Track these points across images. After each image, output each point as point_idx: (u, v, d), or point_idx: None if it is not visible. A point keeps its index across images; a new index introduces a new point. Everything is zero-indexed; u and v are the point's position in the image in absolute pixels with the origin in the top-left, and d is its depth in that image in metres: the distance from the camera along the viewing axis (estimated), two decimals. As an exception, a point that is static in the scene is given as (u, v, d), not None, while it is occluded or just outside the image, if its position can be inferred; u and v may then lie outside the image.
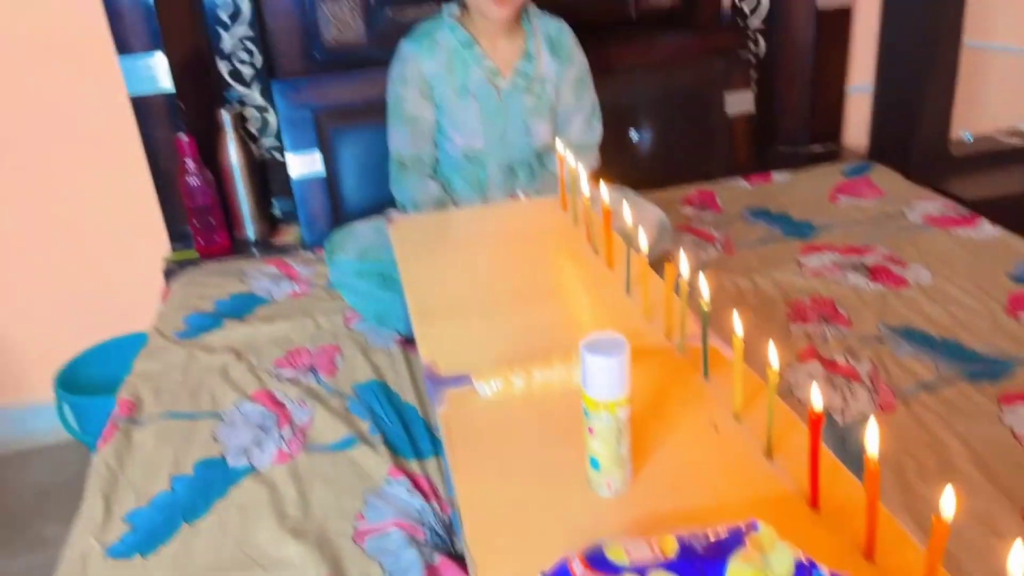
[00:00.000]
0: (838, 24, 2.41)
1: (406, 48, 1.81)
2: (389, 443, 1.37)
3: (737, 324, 0.89)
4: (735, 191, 2.26)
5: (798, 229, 2.02)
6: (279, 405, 1.50)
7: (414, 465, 1.32)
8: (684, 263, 1.03)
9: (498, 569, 0.78)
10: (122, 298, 2.34)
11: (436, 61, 1.79)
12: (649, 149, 2.25)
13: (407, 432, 1.40)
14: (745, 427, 0.92)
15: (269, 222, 2.28)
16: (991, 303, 1.62)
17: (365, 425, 1.43)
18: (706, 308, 0.97)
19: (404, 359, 1.62)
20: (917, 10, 2.35)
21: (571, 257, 1.39)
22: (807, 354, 1.51)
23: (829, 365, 1.48)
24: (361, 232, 1.78)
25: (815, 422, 0.76)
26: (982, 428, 1.28)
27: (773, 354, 0.81)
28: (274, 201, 2.34)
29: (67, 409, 2.25)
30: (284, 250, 2.18)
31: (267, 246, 2.21)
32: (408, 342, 1.68)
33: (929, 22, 2.34)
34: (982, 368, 1.43)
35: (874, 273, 1.78)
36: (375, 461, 1.33)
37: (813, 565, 0.64)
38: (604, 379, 0.79)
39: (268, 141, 2.29)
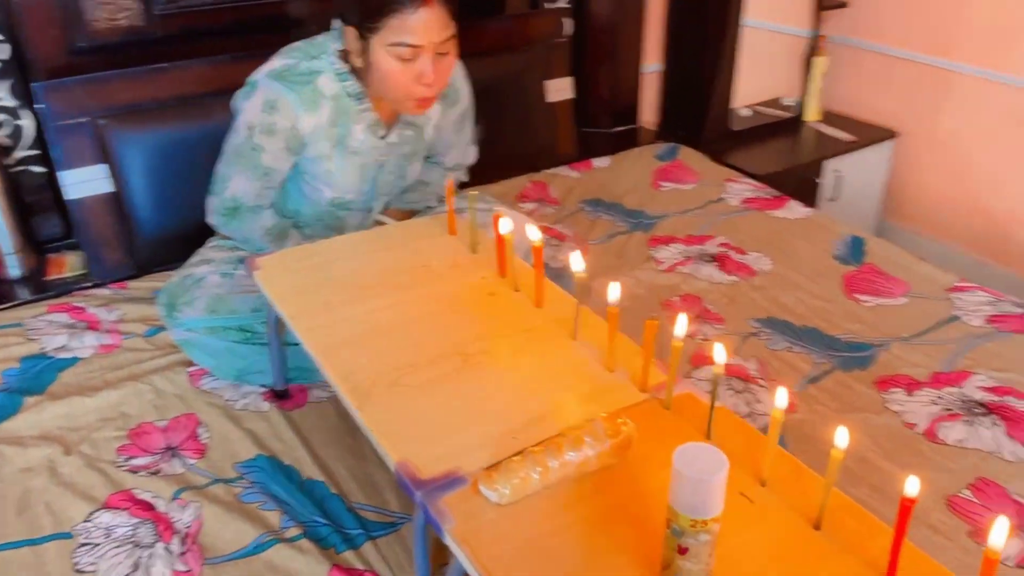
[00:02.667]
0: (633, 6, 2.46)
1: (281, 94, 1.43)
2: (312, 536, 1.18)
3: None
4: (565, 181, 2.25)
5: (638, 221, 2.06)
6: (147, 508, 1.23)
7: (351, 557, 1.15)
8: (682, 325, 0.98)
9: None
10: None
11: (318, 115, 1.46)
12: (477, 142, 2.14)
13: (327, 517, 1.22)
14: (773, 493, 0.91)
15: (36, 254, 1.85)
16: (831, 286, 1.78)
17: (273, 517, 1.22)
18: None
19: (285, 421, 1.40)
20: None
21: (493, 297, 1.27)
22: (699, 359, 1.55)
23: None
24: (207, 280, 1.49)
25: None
26: (875, 418, 1.40)
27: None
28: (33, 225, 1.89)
29: None
30: (64, 288, 1.78)
31: (39, 285, 1.79)
32: (278, 396, 1.46)
33: (712, 4, 2.47)
34: (848, 356, 1.56)
35: (721, 263, 1.86)
36: (305, 563, 1.14)
37: None
38: (706, 498, 0.71)
39: (22, 153, 1.83)
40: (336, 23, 1.46)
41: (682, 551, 0.74)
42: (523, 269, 1.31)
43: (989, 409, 1.40)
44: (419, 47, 1.36)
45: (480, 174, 2.09)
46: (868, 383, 1.49)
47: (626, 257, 1.90)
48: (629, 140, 2.55)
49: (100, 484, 1.26)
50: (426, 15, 1.34)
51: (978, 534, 1.17)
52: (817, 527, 0.86)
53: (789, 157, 2.64)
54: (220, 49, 1.85)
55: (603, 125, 2.56)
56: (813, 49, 2.76)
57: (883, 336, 1.61)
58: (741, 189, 2.20)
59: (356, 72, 1.47)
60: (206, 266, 1.52)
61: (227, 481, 1.28)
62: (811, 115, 2.84)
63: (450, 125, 1.67)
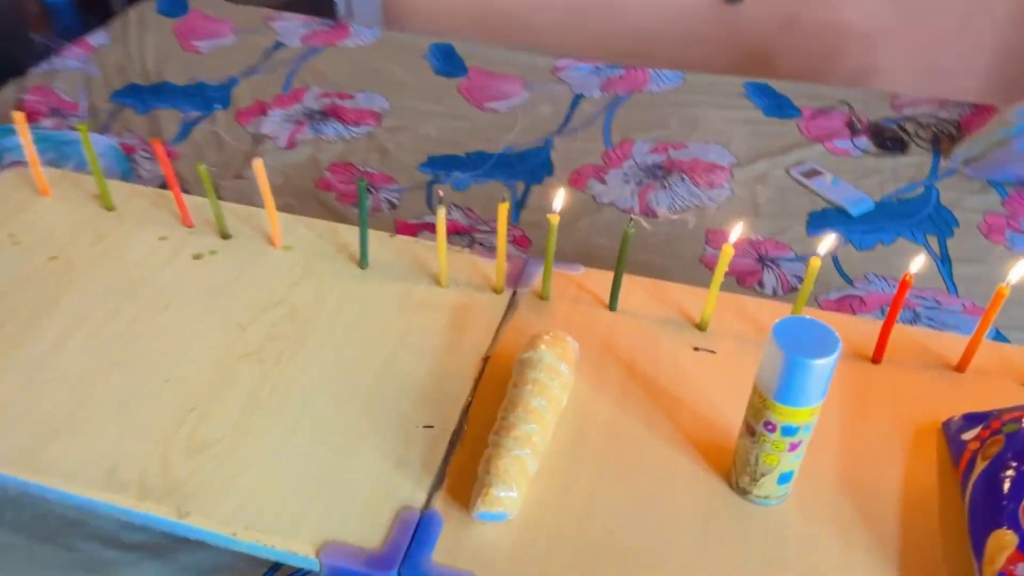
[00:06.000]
0: None
1: None
2: None
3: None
4: (71, 76, 1.63)
5: (206, 98, 1.62)
6: None
7: None
8: (560, 197, 0.76)
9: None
10: None
11: None
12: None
13: None
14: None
15: None
16: (457, 104, 1.64)
17: None
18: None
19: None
20: None
21: (208, 258, 0.86)
22: (404, 228, 1.33)
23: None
24: None
25: (904, 284, 0.72)
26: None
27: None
28: None
29: None
30: None
31: None
32: None
33: None
34: (527, 169, 1.49)
35: (338, 115, 1.59)
36: None
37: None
38: (822, 382, 0.58)
39: None
40: None
41: (792, 448, 0.61)
42: (271, 216, 0.90)
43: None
44: None
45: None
46: (564, 179, 1.44)
47: (228, 147, 1.49)
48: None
49: None
50: None
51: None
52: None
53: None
54: None
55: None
56: None
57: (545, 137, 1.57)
58: (292, 27, 1.87)
59: None
60: None
61: None
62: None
63: None
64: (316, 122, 1.57)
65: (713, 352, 0.78)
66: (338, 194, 1.39)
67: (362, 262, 0.87)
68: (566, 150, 1.52)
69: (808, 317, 0.59)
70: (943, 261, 1.27)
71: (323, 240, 0.90)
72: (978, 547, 0.59)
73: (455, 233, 1.32)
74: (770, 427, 0.60)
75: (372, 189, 1.41)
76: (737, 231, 0.74)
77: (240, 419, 0.70)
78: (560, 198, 0.77)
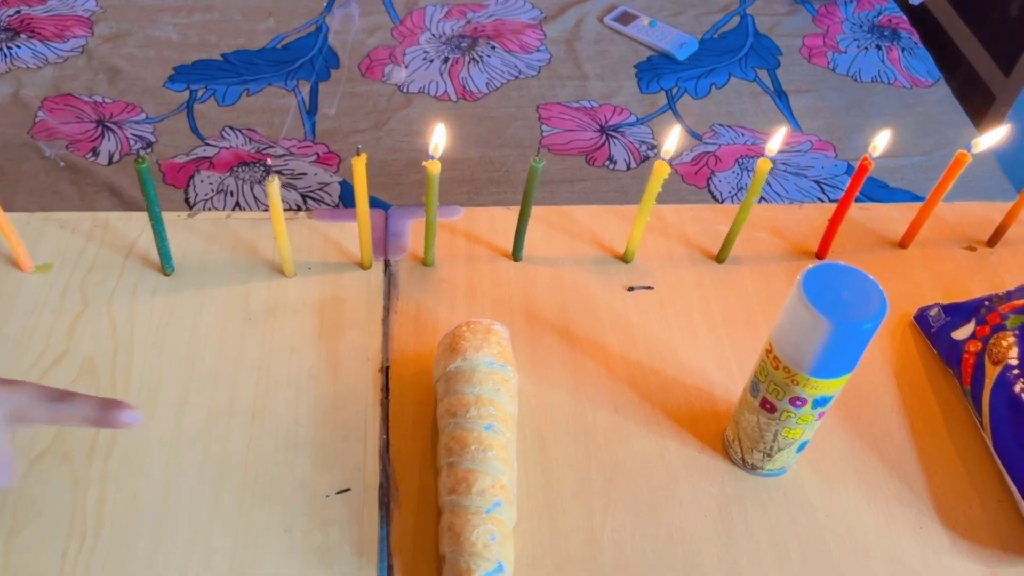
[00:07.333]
0: None
1: None
2: None
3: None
4: None
5: None
6: None
7: None
8: (439, 135, 0.55)
9: None
10: None
11: None
12: None
13: None
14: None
15: None
16: None
17: None
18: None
19: None
20: None
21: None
22: (176, 176, 1.03)
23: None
24: None
25: (864, 166, 0.61)
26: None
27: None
28: None
29: None
30: None
31: None
32: None
33: None
34: (305, 65, 1.21)
35: (34, 28, 1.19)
36: None
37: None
38: (867, 342, 0.45)
39: None
40: None
41: (821, 416, 0.50)
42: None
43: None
44: None
45: None
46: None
47: None
48: None
49: None
50: None
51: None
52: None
53: None
54: None
55: None
56: None
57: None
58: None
59: None
60: None
61: None
62: None
63: None
64: (5, 44, 1.17)
65: (650, 288, 0.64)
66: (69, 142, 1.05)
67: (165, 265, 0.62)
68: (347, 32, 1.25)
69: (829, 262, 0.46)
70: (779, 96, 1.21)
71: (94, 243, 0.63)
72: (1015, 468, 0.53)
73: (241, 164, 1.05)
74: (799, 403, 0.48)
75: (113, 125, 1.08)
76: (673, 137, 0.59)
77: (67, 565, 0.47)
78: (441, 135, 0.57)
